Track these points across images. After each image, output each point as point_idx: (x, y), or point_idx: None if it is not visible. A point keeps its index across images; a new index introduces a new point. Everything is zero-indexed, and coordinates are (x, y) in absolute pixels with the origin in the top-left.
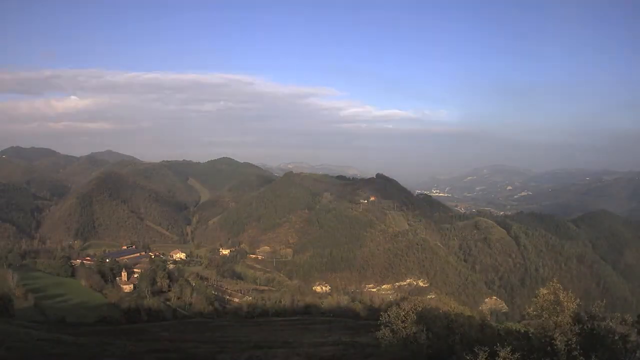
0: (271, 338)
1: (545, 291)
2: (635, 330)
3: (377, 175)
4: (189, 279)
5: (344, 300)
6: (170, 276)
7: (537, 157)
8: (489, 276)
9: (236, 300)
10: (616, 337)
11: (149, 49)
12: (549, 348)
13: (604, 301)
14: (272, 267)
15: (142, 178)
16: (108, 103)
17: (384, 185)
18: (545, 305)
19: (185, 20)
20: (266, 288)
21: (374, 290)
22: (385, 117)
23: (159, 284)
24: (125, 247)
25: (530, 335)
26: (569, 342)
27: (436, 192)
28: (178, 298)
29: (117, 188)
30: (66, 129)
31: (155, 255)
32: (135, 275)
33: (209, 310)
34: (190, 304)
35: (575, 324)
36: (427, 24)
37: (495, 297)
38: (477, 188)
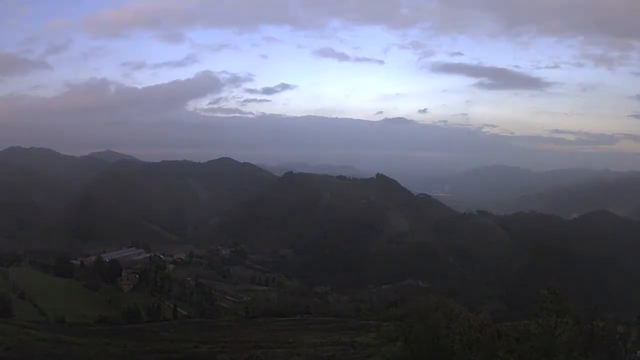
0: (271, 338)
1: (545, 291)
2: (635, 330)
3: (377, 175)
4: (189, 278)
5: (344, 300)
6: (170, 276)
7: (537, 157)
8: (489, 276)
9: (236, 300)
10: (616, 337)
11: None
12: (549, 348)
13: (604, 301)
14: (272, 267)
15: (142, 178)
16: None
17: (384, 185)
18: (545, 305)
19: None
20: (266, 288)
21: (374, 290)
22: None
23: (159, 284)
24: (125, 247)
25: (530, 335)
26: (569, 342)
27: (436, 192)
28: (178, 298)
29: (117, 188)
30: None
31: (155, 255)
32: (136, 275)
33: (209, 310)
34: (191, 304)
35: (575, 324)
36: None
37: (495, 297)
38: (477, 188)
